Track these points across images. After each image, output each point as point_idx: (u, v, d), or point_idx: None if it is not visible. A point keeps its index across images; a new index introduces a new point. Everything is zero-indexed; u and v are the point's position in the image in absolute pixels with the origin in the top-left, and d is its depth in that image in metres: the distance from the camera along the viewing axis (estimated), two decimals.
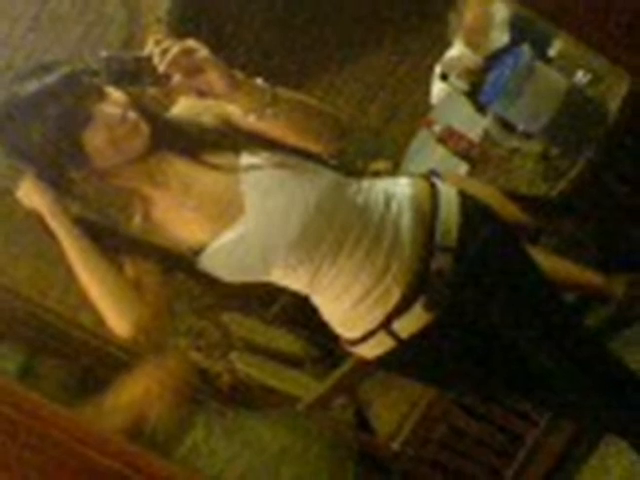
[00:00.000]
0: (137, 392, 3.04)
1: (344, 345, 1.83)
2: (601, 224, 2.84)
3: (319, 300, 1.76)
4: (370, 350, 1.76)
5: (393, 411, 2.93)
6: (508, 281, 1.73)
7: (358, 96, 4.74)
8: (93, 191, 1.70)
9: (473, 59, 3.12)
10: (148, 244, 1.68)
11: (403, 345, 1.71)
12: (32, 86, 1.56)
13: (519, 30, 2.99)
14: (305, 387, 3.23)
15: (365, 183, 1.72)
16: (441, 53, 3.31)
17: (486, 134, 3.02)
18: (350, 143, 1.85)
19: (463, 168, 3.14)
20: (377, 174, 1.86)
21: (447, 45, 3.29)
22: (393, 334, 1.70)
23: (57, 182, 1.63)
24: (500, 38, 3.05)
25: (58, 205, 1.63)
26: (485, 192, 2.46)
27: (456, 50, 3.22)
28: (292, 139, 1.64)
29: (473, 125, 3.15)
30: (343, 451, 3.22)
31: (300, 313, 3.51)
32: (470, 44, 3.15)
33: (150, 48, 1.45)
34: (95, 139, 1.57)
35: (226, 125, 1.67)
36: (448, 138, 3.17)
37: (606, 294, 2.69)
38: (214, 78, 1.46)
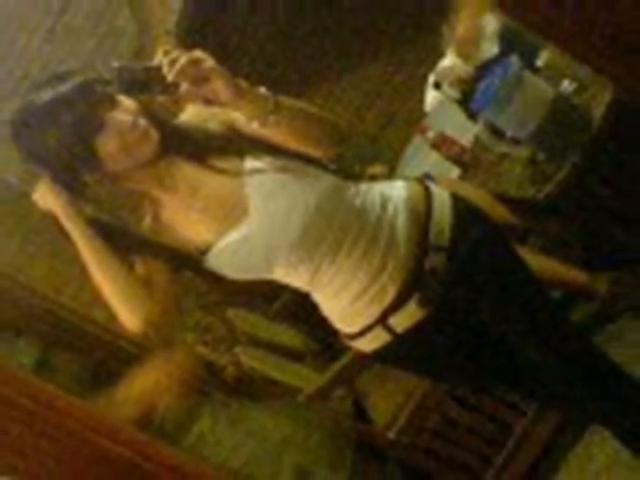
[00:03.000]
0: (147, 384, 3.04)
1: (343, 339, 1.83)
2: (585, 225, 2.84)
3: (319, 297, 1.76)
4: (368, 344, 1.76)
5: (389, 402, 2.93)
6: (498, 279, 1.73)
7: (356, 104, 4.75)
8: (105, 194, 1.69)
9: (465, 69, 3.12)
10: (157, 244, 1.68)
11: (399, 339, 1.70)
12: (47, 95, 1.56)
13: (508, 41, 2.99)
14: (306, 379, 3.22)
15: (363, 186, 1.72)
16: (434, 63, 3.31)
17: (477, 140, 3.02)
18: (348, 148, 1.84)
19: (455, 172, 3.14)
20: (374, 178, 1.85)
21: (440, 56, 3.29)
22: (389, 329, 1.69)
23: (71, 185, 1.63)
24: (490, 49, 3.05)
25: (72, 207, 1.63)
26: (476, 195, 2.46)
27: (449, 60, 3.23)
28: (293, 144, 1.64)
29: (465, 131, 3.15)
30: (342, 440, 3.21)
31: (301, 309, 3.51)
32: (462, 55, 3.15)
33: (159, 58, 1.45)
34: (107, 145, 1.57)
35: (231, 131, 1.67)
36: (441, 144, 3.17)
37: (590, 291, 2.69)
38: (220, 87, 1.46)
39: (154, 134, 1.61)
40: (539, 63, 2.82)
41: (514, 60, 2.60)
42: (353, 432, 3.18)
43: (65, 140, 1.55)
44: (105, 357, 3.87)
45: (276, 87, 1.56)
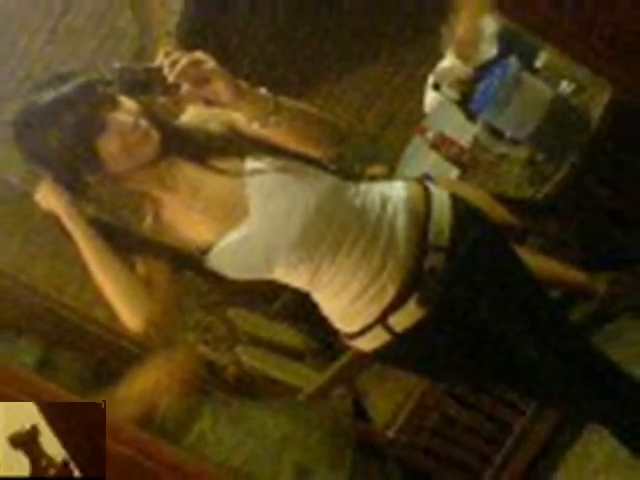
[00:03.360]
0: (148, 383, 3.04)
1: (343, 339, 1.83)
2: (584, 225, 2.84)
3: (319, 296, 1.76)
4: (367, 343, 1.76)
5: (389, 401, 2.93)
6: (497, 279, 1.73)
7: (356, 104, 4.74)
8: (107, 194, 1.70)
9: (464, 70, 3.12)
10: (158, 244, 1.68)
11: (398, 339, 1.70)
12: (49, 95, 1.56)
13: (507, 43, 2.99)
14: (306, 378, 3.22)
15: (362, 186, 1.72)
16: (434, 64, 3.31)
17: (476, 140, 3.02)
18: (348, 149, 1.84)
19: (454, 173, 3.14)
20: (374, 178, 1.85)
21: (440, 57, 3.29)
22: (389, 328, 1.70)
23: (73, 185, 1.63)
24: (489, 50, 3.05)
25: (74, 207, 1.63)
26: (475, 195, 2.47)
27: (448, 61, 3.23)
28: (293, 145, 1.64)
29: (464, 132, 3.15)
30: (341, 438, 3.22)
31: (301, 308, 3.51)
32: (461, 56, 3.15)
33: (160, 60, 1.46)
34: (109, 145, 1.57)
35: (232, 132, 1.67)
36: (440, 144, 3.17)
37: (589, 291, 2.69)
38: (220, 88, 1.47)
39: (155, 135, 1.61)
40: (538, 64, 2.82)
41: (513, 61, 2.60)
42: (353, 431, 3.18)
43: (67, 141, 1.55)
44: (106, 356, 3.87)
45: (276, 88, 1.57)
